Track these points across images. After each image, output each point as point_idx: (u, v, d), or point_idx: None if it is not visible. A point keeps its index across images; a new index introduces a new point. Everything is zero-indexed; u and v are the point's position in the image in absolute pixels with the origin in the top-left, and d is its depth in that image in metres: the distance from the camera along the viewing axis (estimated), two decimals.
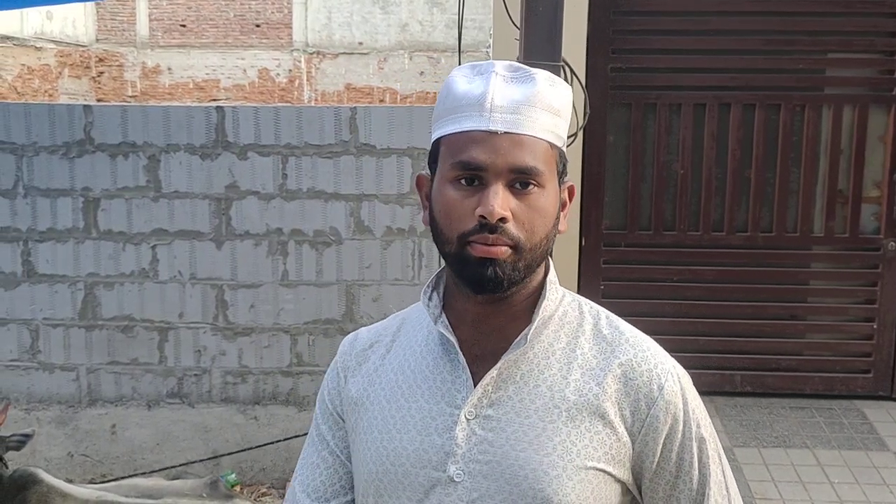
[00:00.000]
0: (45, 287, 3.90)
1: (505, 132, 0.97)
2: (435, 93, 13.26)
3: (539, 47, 2.79)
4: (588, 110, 3.01)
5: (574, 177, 4.07)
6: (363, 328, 1.20)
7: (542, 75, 1.02)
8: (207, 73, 14.46)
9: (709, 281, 4.27)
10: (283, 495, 3.81)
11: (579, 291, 4.18)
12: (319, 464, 1.15)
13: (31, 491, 2.58)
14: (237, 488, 3.75)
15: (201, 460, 3.90)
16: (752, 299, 4.26)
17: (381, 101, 13.86)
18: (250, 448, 3.89)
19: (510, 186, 0.98)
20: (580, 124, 2.99)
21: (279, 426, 3.91)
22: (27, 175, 3.85)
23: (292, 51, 14.32)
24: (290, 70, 14.31)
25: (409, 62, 13.96)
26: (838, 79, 4.24)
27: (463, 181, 0.99)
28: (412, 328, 1.12)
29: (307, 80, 14.24)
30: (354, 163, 3.82)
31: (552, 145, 1.01)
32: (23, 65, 12.65)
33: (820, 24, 4.17)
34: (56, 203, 3.87)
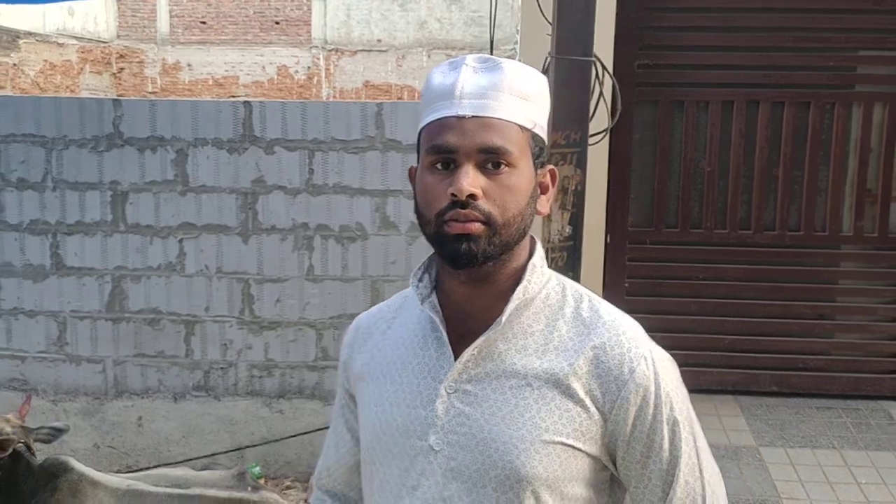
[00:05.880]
0: (73, 280, 3.93)
1: (472, 116, 1.05)
2: None
3: (571, 43, 2.78)
4: (619, 107, 2.99)
5: (600, 173, 4.04)
6: (369, 310, 1.28)
7: (510, 64, 1.09)
8: (227, 70, 14.54)
9: (735, 279, 4.24)
10: (308, 488, 3.83)
11: (604, 289, 4.17)
12: (338, 445, 1.28)
13: (63, 479, 2.59)
14: (261, 481, 3.77)
15: (226, 451, 3.92)
16: (780, 298, 4.22)
17: (400, 98, 13.88)
18: (275, 441, 3.91)
19: (482, 167, 1.05)
20: (611, 121, 2.98)
21: (304, 420, 3.92)
22: (56, 168, 3.89)
23: (311, 48, 14.36)
24: (309, 67, 14.36)
25: (428, 59, 13.96)
26: (869, 76, 4.20)
27: (438, 166, 1.06)
28: (411, 306, 1.19)
29: (326, 77, 14.29)
30: (380, 158, 3.82)
31: (522, 128, 1.07)
32: (45, 60, 12.76)
33: (851, 21, 4.13)
34: (84, 196, 3.90)
